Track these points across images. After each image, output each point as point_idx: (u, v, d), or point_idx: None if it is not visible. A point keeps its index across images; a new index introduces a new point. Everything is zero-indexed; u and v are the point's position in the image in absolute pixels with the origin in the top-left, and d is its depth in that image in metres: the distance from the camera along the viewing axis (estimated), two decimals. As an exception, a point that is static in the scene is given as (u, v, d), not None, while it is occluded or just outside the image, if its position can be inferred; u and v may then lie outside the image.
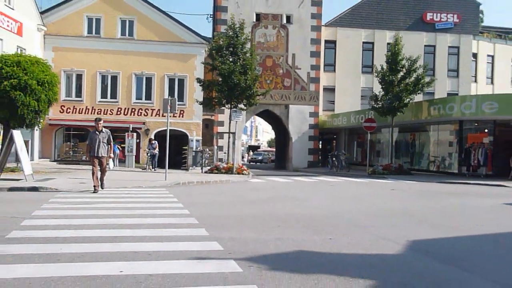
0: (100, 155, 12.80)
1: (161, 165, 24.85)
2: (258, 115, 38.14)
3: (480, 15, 42.78)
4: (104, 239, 6.68)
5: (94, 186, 12.65)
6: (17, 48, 24.94)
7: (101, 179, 13.14)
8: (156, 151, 25.65)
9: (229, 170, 22.88)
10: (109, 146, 13.11)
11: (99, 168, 12.94)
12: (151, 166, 25.08)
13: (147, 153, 25.77)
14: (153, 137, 28.18)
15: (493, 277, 5.36)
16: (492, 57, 40.01)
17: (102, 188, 13.11)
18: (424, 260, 6.10)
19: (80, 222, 8.07)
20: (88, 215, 8.94)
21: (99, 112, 28.68)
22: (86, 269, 5.14)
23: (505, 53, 40.57)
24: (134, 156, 27.43)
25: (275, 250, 6.33)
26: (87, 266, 5.24)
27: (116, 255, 5.79)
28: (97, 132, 12.83)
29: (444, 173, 26.20)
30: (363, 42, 37.42)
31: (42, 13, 28.84)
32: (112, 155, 13.52)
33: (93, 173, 12.66)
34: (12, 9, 25.16)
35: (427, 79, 27.12)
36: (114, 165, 24.83)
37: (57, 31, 29.12)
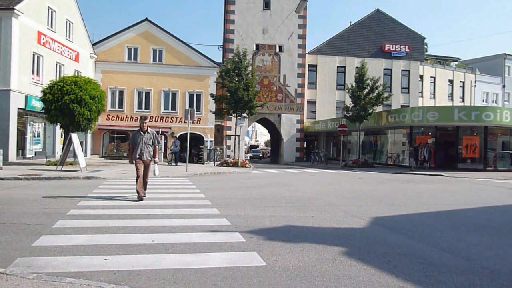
0: (144, 158, 8.64)
1: (182, 160, 24.68)
2: (257, 121, 38.01)
3: (425, 46, 42.82)
4: (140, 216, 6.69)
5: (137, 191, 8.48)
6: (75, 71, 24.97)
7: (145, 184, 8.88)
8: (177, 148, 24.84)
9: (235, 164, 22.84)
10: (154, 148, 8.91)
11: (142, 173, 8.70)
12: (172, 161, 24.55)
13: (171, 150, 25.39)
14: (176, 138, 27.93)
15: (430, 242, 5.40)
16: (434, 78, 39.97)
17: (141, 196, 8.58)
18: (382, 231, 6.12)
19: (122, 203, 8.08)
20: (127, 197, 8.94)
21: (136, 120, 28.67)
22: (126, 238, 5.16)
23: (443, 75, 40.53)
24: (162, 153, 27.40)
25: (270, 225, 6.34)
26: (127, 237, 5.26)
27: (149, 228, 5.81)
28: (141, 132, 8.79)
29: (398, 166, 26.18)
30: (337, 66, 37.32)
31: (93, 44, 28.87)
32: (157, 159, 9.10)
33: (137, 178, 8.53)
34: (71, 42, 25.19)
35: (385, 94, 27.21)
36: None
37: (105, 58, 29.14)
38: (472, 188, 13.52)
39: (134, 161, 8.69)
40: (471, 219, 7.66)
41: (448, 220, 7.38)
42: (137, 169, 8.60)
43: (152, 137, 8.90)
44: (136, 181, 8.58)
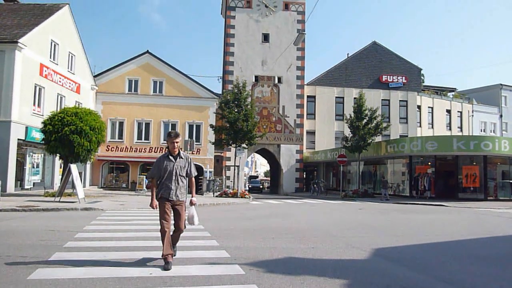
0: (176, 198, 5.46)
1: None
2: (257, 152, 38.15)
3: (422, 77, 43.53)
4: (138, 248, 6.60)
5: (165, 256, 5.19)
6: (76, 103, 25.25)
7: (174, 240, 5.59)
8: None
9: (234, 195, 22.74)
10: (189, 180, 5.76)
11: (173, 223, 5.52)
12: None
13: None
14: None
15: (433, 274, 5.31)
16: (432, 108, 40.42)
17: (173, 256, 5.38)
18: (384, 263, 6.03)
19: (119, 235, 7.98)
20: (125, 229, 8.84)
21: (136, 150, 28.75)
22: (124, 271, 5.07)
23: (441, 105, 40.99)
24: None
25: (270, 256, 6.25)
26: (125, 270, 5.17)
27: (146, 260, 5.72)
28: (171, 158, 5.49)
29: (398, 196, 26.05)
30: (336, 97, 37.81)
31: (95, 76, 29.37)
32: (195, 199, 5.81)
33: (163, 233, 5.27)
34: (73, 73, 25.64)
35: (384, 124, 27.42)
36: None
37: (106, 90, 29.57)
38: (473, 218, 13.41)
39: (161, 203, 5.42)
40: (474, 249, 7.56)
41: (450, 251, 7.28)
42: (163, 218, 5.32)
43: (187, 165, 5.62)
44: (162, 238, 5.30)
